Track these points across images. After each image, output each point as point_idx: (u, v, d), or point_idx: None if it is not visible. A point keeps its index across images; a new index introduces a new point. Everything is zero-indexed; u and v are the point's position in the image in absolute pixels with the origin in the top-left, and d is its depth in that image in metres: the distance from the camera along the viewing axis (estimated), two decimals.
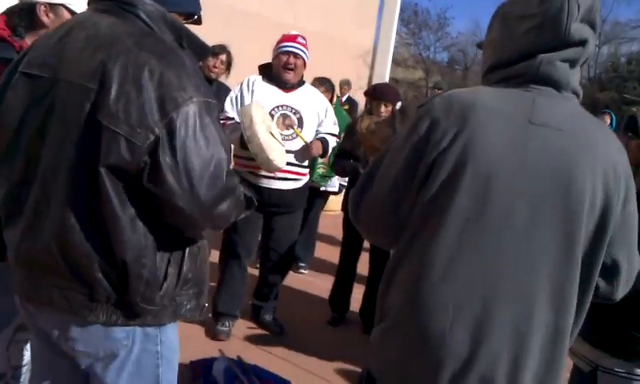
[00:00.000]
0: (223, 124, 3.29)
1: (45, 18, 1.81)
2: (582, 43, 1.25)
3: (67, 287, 1.27)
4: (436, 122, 1.23)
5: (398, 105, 3.86)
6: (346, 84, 7.96)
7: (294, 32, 3.42)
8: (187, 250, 1.36)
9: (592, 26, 1.26)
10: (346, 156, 3.80)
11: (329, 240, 5.68)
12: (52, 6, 1.82)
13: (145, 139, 1.20)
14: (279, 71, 3.32)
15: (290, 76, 3.33)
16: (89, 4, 1.41)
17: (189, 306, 1.39)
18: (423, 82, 27.30)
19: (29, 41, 1.79)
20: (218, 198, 1.28)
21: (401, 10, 10.86)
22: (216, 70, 4.06)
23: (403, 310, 1.26)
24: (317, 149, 3.34)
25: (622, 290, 1.33)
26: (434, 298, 1.20)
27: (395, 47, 11.83)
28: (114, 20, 1.30)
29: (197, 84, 1.26)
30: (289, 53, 3.31)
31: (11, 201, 1.34)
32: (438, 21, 28.32)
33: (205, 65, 4.01)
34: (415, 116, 1.31)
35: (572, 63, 1.26)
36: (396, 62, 19.75)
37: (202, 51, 1.45)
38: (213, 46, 3.94)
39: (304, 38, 3.40)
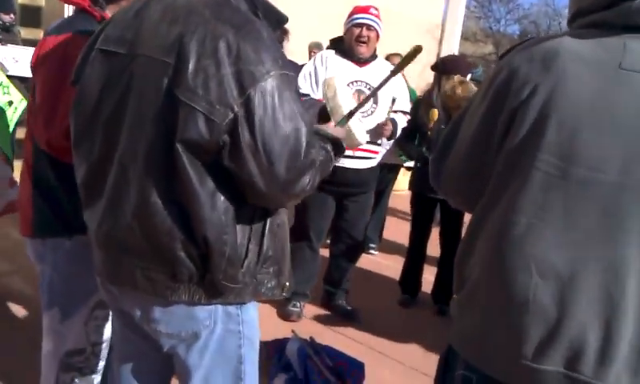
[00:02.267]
0: None
1: None
2: None
3: (149, 267, 1.25)
4: (516, 71, 1.14)
5: (468, 78, 3.67)
6: (315, 47, 6.72)
7: (366, 4, 3.28)
8: (267, 226, 1.31)
9: None
10: (412, 135, 3.67)
11: (398, 220, 5.56)
12: None
13: (224, 117, 1.15)
14: (352, 45, 3.21)
15: (364, 49, 3.21)
16: None
17: (269, 285, 1.35)
18: (493, 56, 26.32)
19: (110, 12, 1.76)
20: (298, 175, 1.23)
21: None
22: None
23: (482, 276, 1.19)
24: (388, 130, 3.22)
25: None
26: (516, 261, 1.12)
27: (464, 21, 11.39)
28: None
29: (275, 56, 1.20)
30: (362, 25, 3.18)
31: (91, 180, 1.33)
32: None
33: None
34: (495, 69, 1.21)
35: None
36: (465, 37, 19.08)
37: (278, 20, 1.38)
38: None
39: (377, 9, 3.26)
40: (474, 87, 3.35)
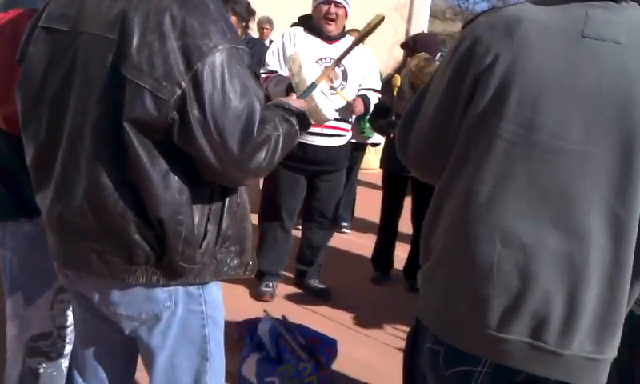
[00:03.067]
0: (266, 77, 3.18)
1: None
2: None
3: (104, 250, 1.22)
4: (479, 39, 1.14)
5: (438, 57, 3.69)
6: (266, 22, 6.17)
7: None
8: (226, 206, 1.29)
9: None
10: (384, 112, 3.65)
11: (369, 198, 5.58)
12: None
13: (171, 94, 1.12)
14: (320, 22, 3.18)
15: (332, 27, 3.18)
16: None
17: (232, 264, 1.34)
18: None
19: None
20: (253, 151, 1.20)
21: None
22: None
23: (447, 248, 1.19)
24: (359, 108, 3.21)
25: None
26: (479, 231, 1.12)
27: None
28: None
29: (223, 30, 1.17)
30: (330, 2, 3.16)
31: (40, 162, 1.29)
32: None
33: None
34: (458, 38, 1.21)
35: None
36: (434, 15, 19.09)
37: None
38: None
39: None
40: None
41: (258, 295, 3.34)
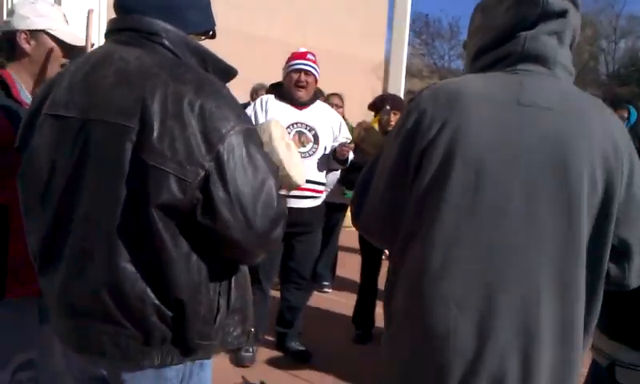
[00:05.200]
0: None
1: (26, 46, 1.75)
2: (563, 14, 1.21)
3: (118, 333, 1.21)
4: (423, 112, 1.21)
5: None
6: (261, 88, 6.05)
7: (302, 49, 3.39)
8: (233, 278, 1.32)
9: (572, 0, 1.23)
10: (356, 169, 3.72)
11: (351, 257, 5.59)
12: (32, 32, 1.76)
13: (195, 175, 1.16)
14: (291, 89, 3.29)
15: (302, 93, 3.30)
16: (107, 36, 1.35)
17: (235, 333, 1.34)
18: None
19: (12, 71, 1.76)
20: (273, 225, 1.25)
21: (412, 21, 10.84)
22: None
23: (406, 313, 1.22)
24: (347, 150, 3.29)
25: (635, 275, 1.25)
26: (435, 297, 1.16)
27: (409, 59, 11.78)
28: (139, 52, 1.25)
29: (236, 111, 1.23)
30: (300, 70, 3.28)
31: (46, 248, 1.29)
32: (450, 29, 28.24)
33: None
34: (404, 112, 1.28)
35: (558, 37, 1.22)
36: (411, 73, 19.68)
37: (227, 73, 1.40)
38: None
39: (313, 55, 3.37)
40: (378, 134, 3.58)
41: (237, 360, 3.30)
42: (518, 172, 1.14)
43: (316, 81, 3.35)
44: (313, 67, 3.32)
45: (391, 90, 8.99)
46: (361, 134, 3.46)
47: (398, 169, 1.24)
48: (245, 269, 1.41)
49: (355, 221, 1.39)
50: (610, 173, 1.16)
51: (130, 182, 1.17)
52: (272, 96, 3.35)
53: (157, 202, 1.16)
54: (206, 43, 1.40)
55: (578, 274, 1.15)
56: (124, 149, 1.17)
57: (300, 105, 3.30)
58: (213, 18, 1.43)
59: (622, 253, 1.21)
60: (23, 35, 1.76)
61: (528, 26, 1.21)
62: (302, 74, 3.28)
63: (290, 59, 3.36)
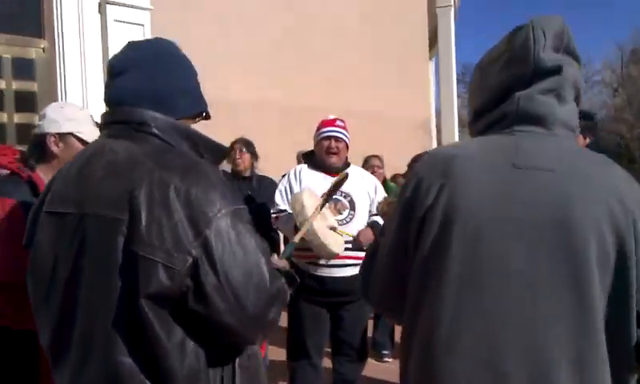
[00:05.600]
0: (276, 218, 3.27)
1: (54, 148, 1.87)
2: (558, 71, 1.15)
3: None
4: (421, 179, 1.18)
5: None
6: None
7: (332, 117, 3.40)
8: (237, 362, 1.29)
9: (568, 51, 1.18)
10: None
11: None
12: (61, 135, 1.89)
13: (183, 263, 1.15)
14: (323, 157, 3.30)
15: (334, 159, 3.29)
16: (101, 130, 1.41)
17: None
18: None
19: (41, 173, 1.85)
20: (267, 307, 1.22)
21: (461, 73, 10.80)
22: (240, 161, 4.02)
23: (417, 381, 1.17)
24: (365, 238, 3.15)
25: None
26: (443, 373, 1.09)
27: (459, 110, 11.70)
28: (128, 144, 1.28)
29: (223, 193, 1.22)
30: (330, 137, 3.29)
31: (56, 342, 1.31)
32: None
33: (231, 162, 4.08)
34: (405, 180, 1.27)
35: (556, 95, 1.16)
36: (462, 124, 19.50)
37: (219, 153, 1.42)
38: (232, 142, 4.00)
39: (342, 121, 3.38)
40: None
41: None
42: (517, 237, 1.08)
43: (347, 146, 3.35)
44: (343, 133, 3.32)
45: (446, 143, 8.90)
46: (383, 209, 3.33)
47: (400, 238, 1.22)
48: (254, 351, 1.36)
49: (364, 292, 1.36)
50: (621, 233, 1.06)
51: (123, 273, 1.18)
52: (305, 165, 3.37)
53: (146, 292, 1.15)
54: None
55: (594, 343, 1.05)
56: (116, 241, 1.18)
57: (333, 171, 3.29)
58: (204, 100, 1.46)
59: None
60: (52, 138, 1.88)
61: (523, 86, 1.17)
62: (333, 141, 3.28)
63: (319, 127, 3.38)
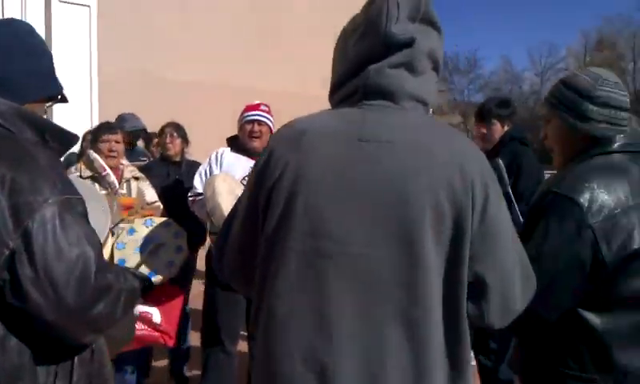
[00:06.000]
0: (192, 201, 3.21)
1: None
2: (409, 44, 1.13)
3: None
4: (272, 151, 1.17)
5: None
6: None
7: (256, 101, 3.36)
8: (76, 358, 1.25)
9: (425, 20, 1.15)
10: None
11: None
12: None
13: (0, 255, 1.11)
14: (245, 140, 3.26)
15: (257, 143, 3.25)
16: None
17: None
18: (462, 125, 27.11)
19: None
20: (91, 301, 1.18)
21: None
22: (170, 146, 3.90)
23: (257, 365, 1.17)
24: None
25: (496, 313, 1.13)
26: (278, 348, 1.09)
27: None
28: None
29: (53, 182, 1.18)
30: (253, 121, 3.26)
31: None
32: (467, 63, 28.36)
33: (160, 146, 3.97)
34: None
35: (407, 67, 1.14)
36: (432, 111, 19.77)
37: (68, 141, 1.36)
38: (163, 126, 3.91)
39: (267, 106, 3.35)
40: None
41: None
42: (358, 212, 1.07)
43: (270, 131, 3.30)
44: (266, 117, 3.29)
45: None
46: None
47: (251, 209, 1.20)
48: (99, 347, 1.33)
49: (218, 264, 1.32)
50: (458, 205, 1.06)
51: None
52: (228, 149, 3.32)
53: None
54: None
55: (426, 313, 1.05)
56: None
57: (255, 155, 3.24)
58: (57, 82, 1.41)
59: (477, 289, 1.10)
60: None
61: (376, 59, 1.15)
62: (256, 125, 3.25)
63: (243, 111, 3.35)
